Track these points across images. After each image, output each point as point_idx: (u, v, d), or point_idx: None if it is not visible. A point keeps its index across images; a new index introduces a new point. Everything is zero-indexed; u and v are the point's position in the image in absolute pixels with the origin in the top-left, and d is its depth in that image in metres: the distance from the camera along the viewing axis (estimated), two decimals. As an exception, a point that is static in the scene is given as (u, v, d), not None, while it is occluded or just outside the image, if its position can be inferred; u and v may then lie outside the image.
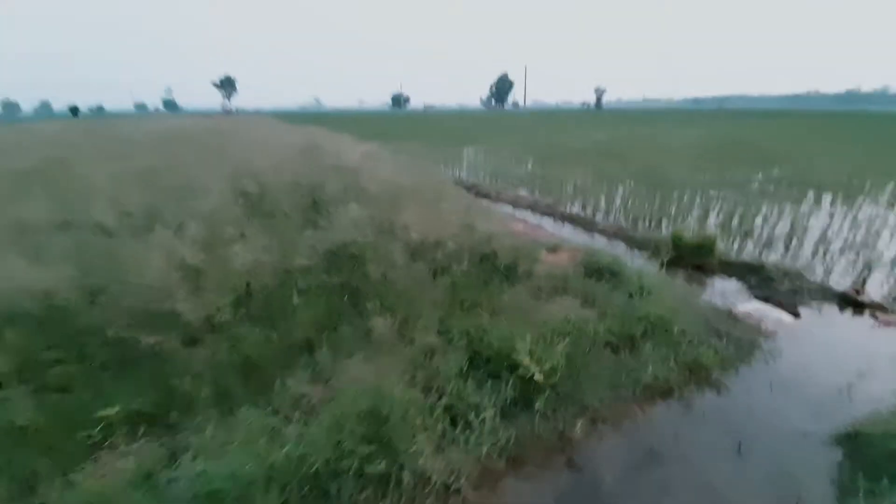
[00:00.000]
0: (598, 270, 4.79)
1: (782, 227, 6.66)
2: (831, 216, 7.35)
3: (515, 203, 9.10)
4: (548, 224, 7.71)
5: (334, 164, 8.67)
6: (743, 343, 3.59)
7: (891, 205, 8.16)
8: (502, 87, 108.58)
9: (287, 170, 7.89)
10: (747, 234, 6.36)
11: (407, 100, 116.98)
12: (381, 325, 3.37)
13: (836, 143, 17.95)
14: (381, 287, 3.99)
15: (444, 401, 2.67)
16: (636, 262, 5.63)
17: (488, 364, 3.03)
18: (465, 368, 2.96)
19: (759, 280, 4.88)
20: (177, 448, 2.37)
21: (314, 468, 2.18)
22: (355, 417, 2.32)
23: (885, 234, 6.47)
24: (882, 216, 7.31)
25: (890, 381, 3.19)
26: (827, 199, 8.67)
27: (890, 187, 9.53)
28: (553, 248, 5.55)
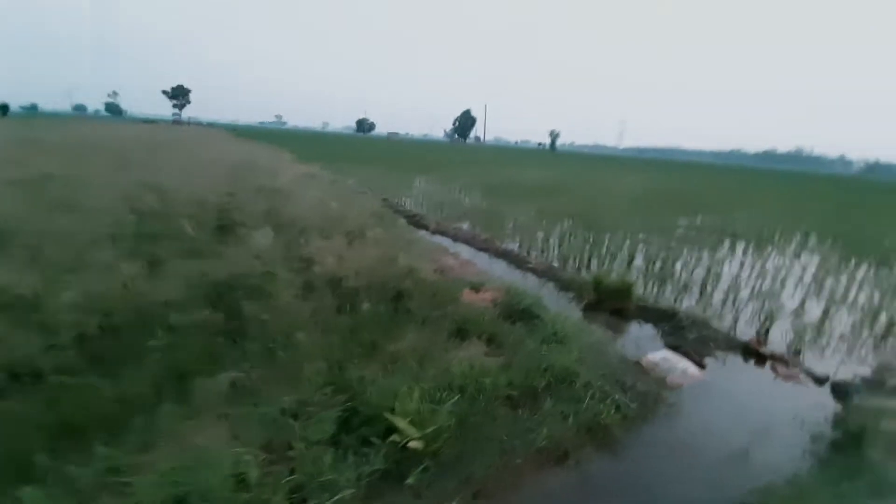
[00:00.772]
0: (517, 312, 4.59)
1: (698, 274, 6.95)
2: (742, 264, 7.83)
3: (455, 236, 8.94)
4: (482, 259, 7.56)
5: (263, 184, 8.12)
6: (648, 398, 3.44)
7: (796, 255, 8.91)
8: (465, 122, 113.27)
9: (204, 187, 7.23)
10: (666, 280, 6.55)
11: (372, 126, 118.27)
12: (250, 374, 2.87)
13: (754, 196, 19.96)
14: (268, 327, 3.48)
15: (293, 477, 2.19)
16: (560, 304, 5.53)
17: (363, 427, 2.61)
18: (334, 433, 2.52)
19: (672, 327, 4.90)
20: None
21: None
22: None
23: (790, 284, 6.93)
24: (787, 266, 7.90)
25: (787, 443, 3.14)
26: (741, 247, 9.33)
27: (797, 239, 10.48)
28: (477, 287, 5.31)
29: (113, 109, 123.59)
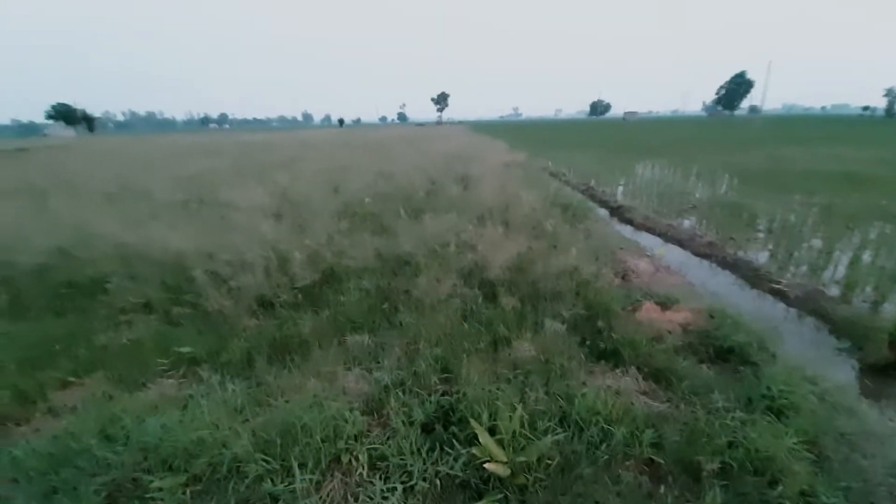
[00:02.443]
0: (716, 349, 3.32)
1: None
2: None
3: (666, 234, 7.22)
4: (697, 269, 5.80)
5: (466, 172, 8.88)
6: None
7: None
8: (735, 90, 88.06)
9: (422, 175, 8.55)
10: None
11: (606, 108, 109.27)
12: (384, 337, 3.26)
13: None
14: (414, 302, 3.84)
15: (379, 447, 2.34)
16: (809, 354, 3.62)
17: (457, 425, 2.49)
18: (429, 420, 2.53)
19: None
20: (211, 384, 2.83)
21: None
22: (271, 430, 2.29)
23: None
24: None
25: None
26: None
27: None
28: (666, 303, 4.13)
29: (402, 117, 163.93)
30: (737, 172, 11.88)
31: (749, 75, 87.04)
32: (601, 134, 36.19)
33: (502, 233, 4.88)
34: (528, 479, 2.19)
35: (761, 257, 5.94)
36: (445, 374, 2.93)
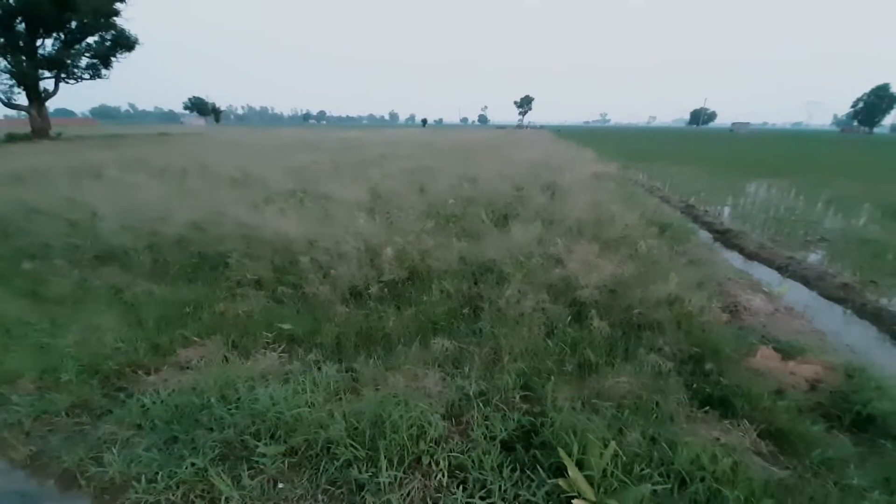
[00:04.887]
0: (852, 414, 2.77)
1: None
2: None
3: (786, 269, 6.23)
4: (828, 314, 4.89)
5: (553, 181, 8.59)
6: None
7: None
8: (877, 104, 73.63)
9: (506, 181, 8.46)
10: None
11: (711, 117, 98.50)
12: (467, 345, 3.25)
13: None
14: (498, 312, 3.78)
15: (459, 456, 2.32)
16: None
17: (540, 449, 2.37)
18: (510, 438, 2.45)
19: None
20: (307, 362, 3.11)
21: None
22: (363, 419, 2.39)
23: None
24: None
25: None
26: None
27: None
28: (789, 352, 3.54)
29: (482, 120, 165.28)
30: (880, 204, 9.86)
31: (893, 89, 71.93)
32: (704, 146, 32.61)
33: (593, 250, 4.59)
34: (619, 527, 2.00)
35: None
36: (527, 392, 2.83)
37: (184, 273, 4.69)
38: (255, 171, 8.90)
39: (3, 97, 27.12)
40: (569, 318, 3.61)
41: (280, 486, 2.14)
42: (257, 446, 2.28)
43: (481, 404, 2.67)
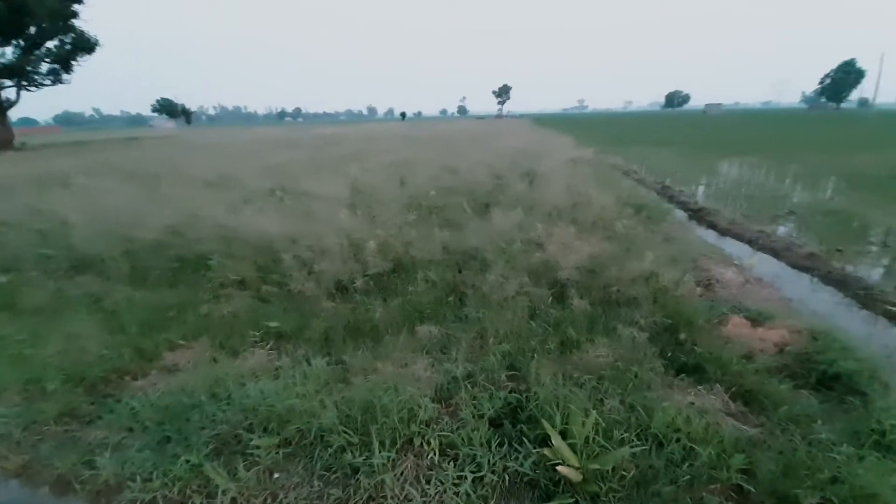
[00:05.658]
0: (819, 374, 2.96)
1: None
2: None
3: (756, 242, 6.51)
4: (794, 284, 5.16)
5: (532, 168, 8.70)
6: None
7: None
8: (843, 79, 76.31)
9: (485, 171, 8.53)
10: None
11: (685, 99, 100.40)
12: (452, 330, 3.33)
13: None
14: (481, 297, 3.87)
15: (449, 435, 2.41)
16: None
17: (526, 423, 2.48)
18: (499, 415, 2.55)
19: None
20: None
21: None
22: (354, 406, 2.46)
23: None
24: None
25: None
26: None
27: None
28: (758, 318, 3.75)
29: (462, 111, 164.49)
30: (846, 176, 10.33)
31: (859, 64, 74.69)
32: (678, 129, 33.31)
33: (571, 232, 4.72)
34: (600, 488, 2.13)
35: (875, 274, 5.14)
36: (513, 372, 2.94)
37: (164, 278, 4.62)
38: (230, 172, 8.74)
39: None
40: (550, 299, 3.72)
41: (276, 475, 2.19)
42: (251, 439, 2.32)
43: (469, 385, 2.76)
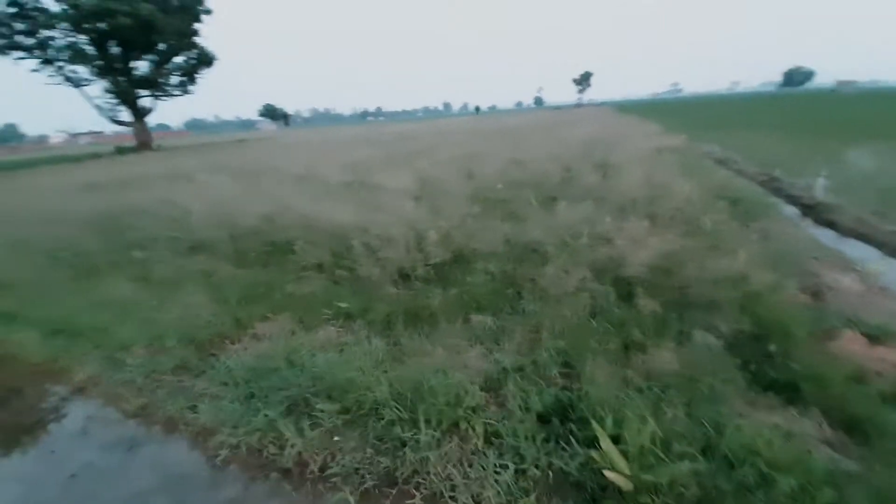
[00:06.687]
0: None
1: None
2: None
3: (888, 245, 5.35)
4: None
5: (607, 159, 8.18)
6: None
7: None
8: None
9: (555, 162, 8.23)
10: None
11: (807, 76, 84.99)
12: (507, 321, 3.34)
13: None
14: (540, 291, 3.80)
15: (494, 423, 2.43)
16: None
17: (577, 423, 2.40)
18: (547, 411, 2.50)
19: None
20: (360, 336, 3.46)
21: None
22: (405, 385, 2.61)
23: None
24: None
25: None
26: None
27: None
28: (878, 335, 3.12)
29: (538, 102, 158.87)
30: None
31: None
32: (798, 111, 28.30)
33: (645, 227, 4.37)
34: (653, 501, 2.00)
35: None
36: (567, 369, 2.86)
37: (259, 259, 5.30)
38: (315, 168, 9.61)
39: (108, 114, 31.90)
40: (614, 297, 3.51)
41: (336, 438, 2.44)
42: (317, 403, 2.60)
43: (518, 378, 2.76)
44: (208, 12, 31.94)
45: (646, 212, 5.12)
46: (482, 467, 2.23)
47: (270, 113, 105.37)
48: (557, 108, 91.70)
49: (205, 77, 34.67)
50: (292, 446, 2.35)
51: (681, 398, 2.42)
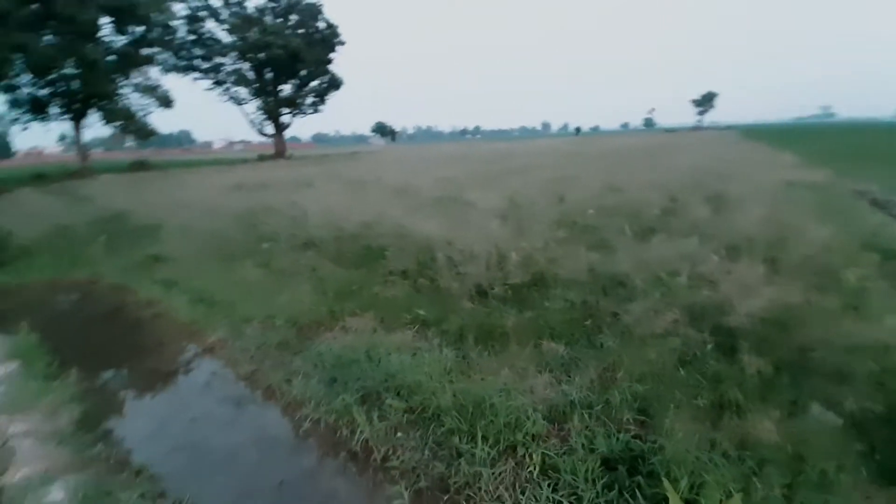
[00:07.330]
0: None
1: None
2: None
3: None
4: None
5: (721, 191, 7.32)
6: None
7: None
8: None
9: (656, 192, 7.62)
10: None
11: None
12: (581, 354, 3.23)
13: None
14: (623, 328, 3.58)
15: (554, 458, 2.36)
16: None
17: (646, 477, 2.21)
18: (612, 458, 2.35)
19: None
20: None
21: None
22: (467, 398, 2.68)
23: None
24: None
25: None
26: None
27: None
28: None
29: (648, 123, 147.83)
30: None
31: None
32: None
33: (761, 273, 3.81)
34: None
35: None
36: (642, 416, 2.65)
37: (355, 260, 5.92)
38: (413, 182, 10.36)
39: (258, 128, 38.48)
40: (710, 346, 3.14)
41: (398, 434, 2.62)
42: (387, 398, 2.83)
43: (586, 415, 2.64)
44: (343, 44, 36.92)
45: (764, 255, 4.45)
46: (534, 498, 2.19)
47: (380, 129, 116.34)
48: (670, 130, 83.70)
49: (332, 97, 39.90)
50: (361, 433, 2.60)
51: (780, 478, 2.07)
